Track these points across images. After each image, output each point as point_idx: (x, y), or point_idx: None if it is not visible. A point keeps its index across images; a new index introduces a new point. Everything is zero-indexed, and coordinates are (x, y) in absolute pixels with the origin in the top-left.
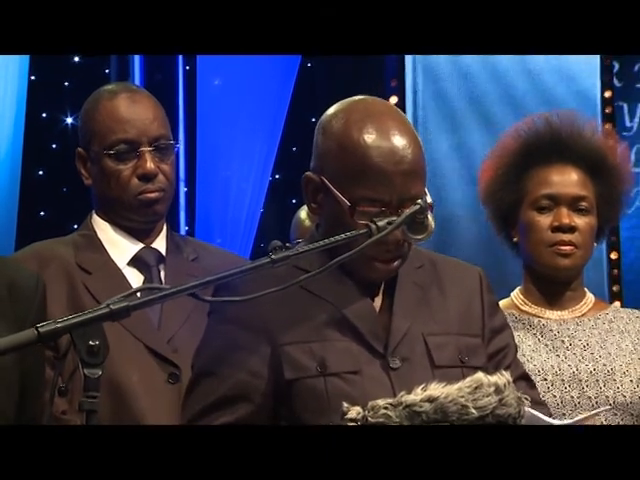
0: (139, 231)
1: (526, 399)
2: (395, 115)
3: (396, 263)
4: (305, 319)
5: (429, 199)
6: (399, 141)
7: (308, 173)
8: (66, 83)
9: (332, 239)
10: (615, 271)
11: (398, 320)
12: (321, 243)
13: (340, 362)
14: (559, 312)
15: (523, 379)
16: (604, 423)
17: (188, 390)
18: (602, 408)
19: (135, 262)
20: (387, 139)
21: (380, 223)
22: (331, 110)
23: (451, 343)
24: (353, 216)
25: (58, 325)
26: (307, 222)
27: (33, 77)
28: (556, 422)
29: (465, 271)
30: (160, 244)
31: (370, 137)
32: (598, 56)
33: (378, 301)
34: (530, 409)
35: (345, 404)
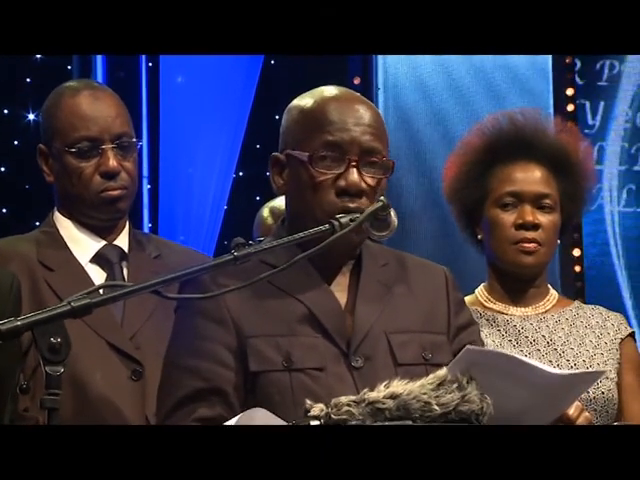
0: (101, 228)
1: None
2: (359, 96)
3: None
4: (272, 313)
5: (390, 160)
6: (360, 107)
7: (274, 153)
8: (28, 80)
9: (296, 236)
10: (578, 268)
11: (360, 319)
12: (285, 240)
13: (306, 358)
14: (523, 309)
15: None
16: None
17: (161, 384)
18: (600, 370)
19: (97, 259)
20: (349, 104)
21: (343, 220)
22: (297, 98)
23: (414, 341)
24: (312, 166)
25: (19, 322)
26: (269, 220)
27: None
28: (548, 368)
29: (430, 270)
30: (122, 241)
31: (332, 102)
32: (550, 57)
33: (343, 299)
34: (523, 358)
35: (308, 401)
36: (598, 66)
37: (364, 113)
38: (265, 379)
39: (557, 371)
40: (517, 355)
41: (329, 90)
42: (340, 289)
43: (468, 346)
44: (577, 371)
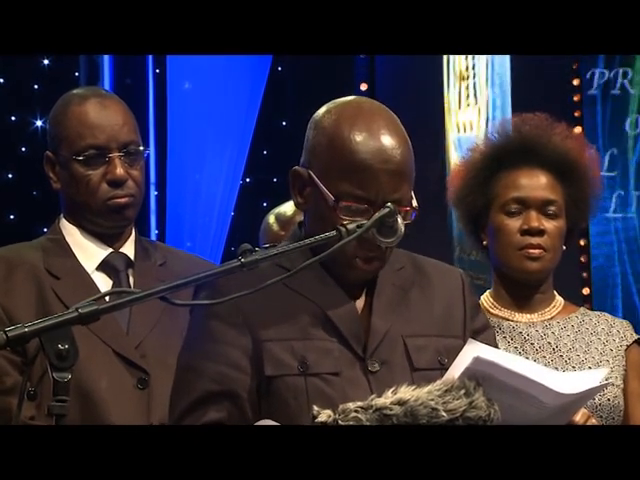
0: (108, 236)
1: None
2: (387, 115)
3: (376, 264)
4: (287, 317)
5: (414, 202)
6: (388, 140)
7: (296, 167)
8: (35, 86)
9: (303, 242)
10: (585, 274)
11: (377, 323)
12: (293, 245)
13: (321, 362)
14: (528, 315)
15: None
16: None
17: (174, 387)
18: (605, 383)
19: (104, 267)
20: (377, 138)
21: (350, 226)
22: (324, 107)
23: (430, 345)
24: (336, 211)
25: (26, 329)
26: (275, 227)
27: (1, 80)
28: (557, 387)
29: (446, 273)
30: (129, 249)
31: (360, 134)
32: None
33: (360, 303)
34: (532, 376)
35: (315, 407)
36: (608, 73)
37: (394, 154)
38: (280, 383)
39: (567, 389)
40: (526, 372)
41: (358, 111)
42: (356, 293)
43: (477, 355)
44: (587, 387)
